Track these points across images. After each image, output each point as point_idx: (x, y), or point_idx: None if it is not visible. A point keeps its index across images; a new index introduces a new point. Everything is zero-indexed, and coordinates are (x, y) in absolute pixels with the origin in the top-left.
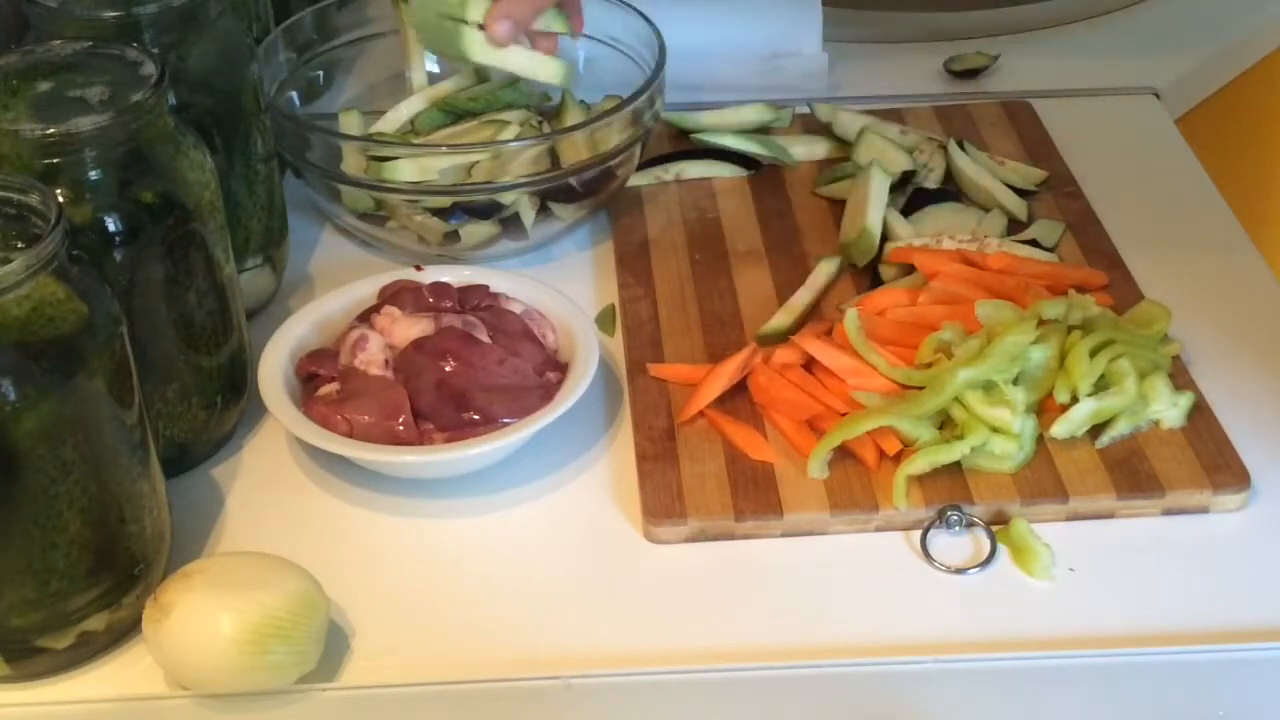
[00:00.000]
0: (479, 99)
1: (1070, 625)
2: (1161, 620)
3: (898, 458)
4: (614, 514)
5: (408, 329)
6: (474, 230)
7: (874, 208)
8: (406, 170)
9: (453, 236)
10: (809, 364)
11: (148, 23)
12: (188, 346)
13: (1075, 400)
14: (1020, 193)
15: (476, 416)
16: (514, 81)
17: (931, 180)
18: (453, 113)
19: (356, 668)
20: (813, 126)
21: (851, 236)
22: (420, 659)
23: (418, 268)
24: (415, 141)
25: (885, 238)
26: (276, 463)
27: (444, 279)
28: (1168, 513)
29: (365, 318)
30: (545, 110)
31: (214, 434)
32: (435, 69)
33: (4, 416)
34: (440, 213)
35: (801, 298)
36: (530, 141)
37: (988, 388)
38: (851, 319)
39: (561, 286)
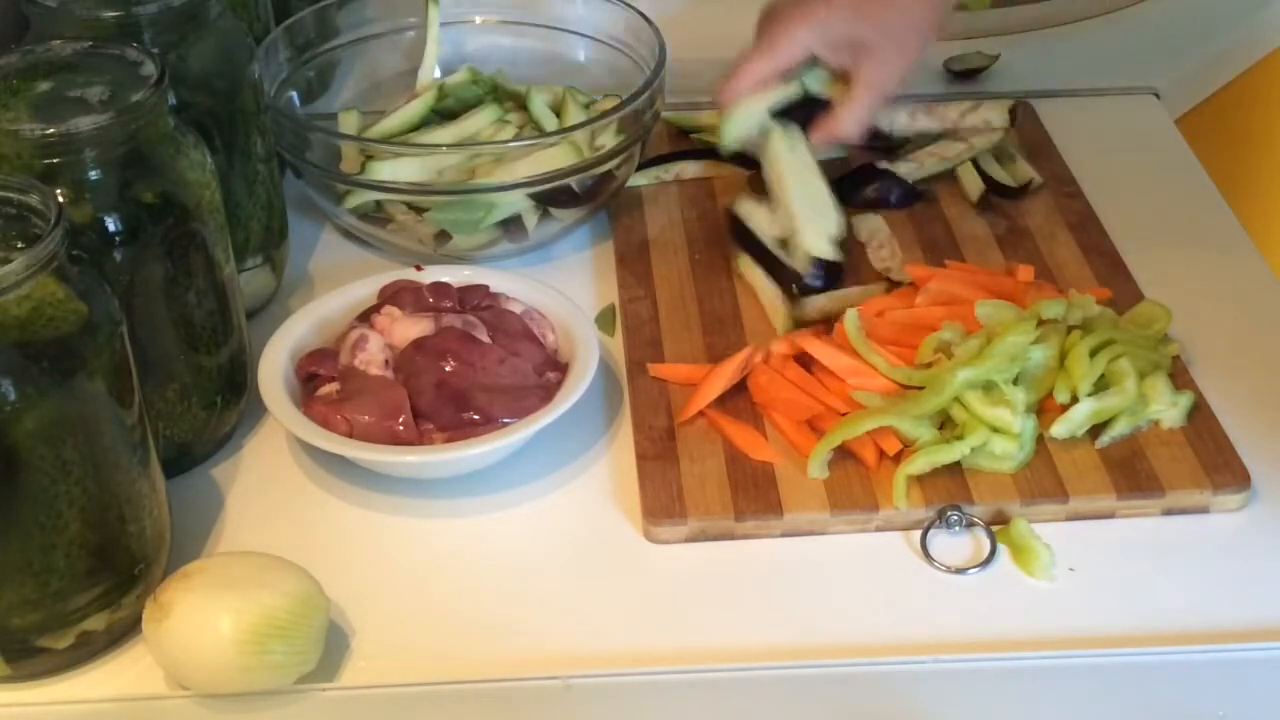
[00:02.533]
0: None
1: (1070, 625)
2: (1161, 620)
3: (898, 458)
4: (614, 514)
5: (408, 329)
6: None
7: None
8: (405, 169)
9: (447, 236)
10: (809, 364)
11: (148, 23)
12: (188, 346)
13: (1075, 400)
14: (1012, 191)
15: (476, 416)
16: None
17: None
18: (449, 112)
19: (356, 668)
20: None
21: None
22: (420, 659)
23: (418, 268)
24: (415, 141)
25: None
26: (276, 463)
27: (444, 279)
28: (1168, 513)
29: (365, 318)
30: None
31: (214, 434)
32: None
33: (4, 416)
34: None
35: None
36: (530, 142)
37: (988, 388)
38: (851, 319)
39: (561, 286)
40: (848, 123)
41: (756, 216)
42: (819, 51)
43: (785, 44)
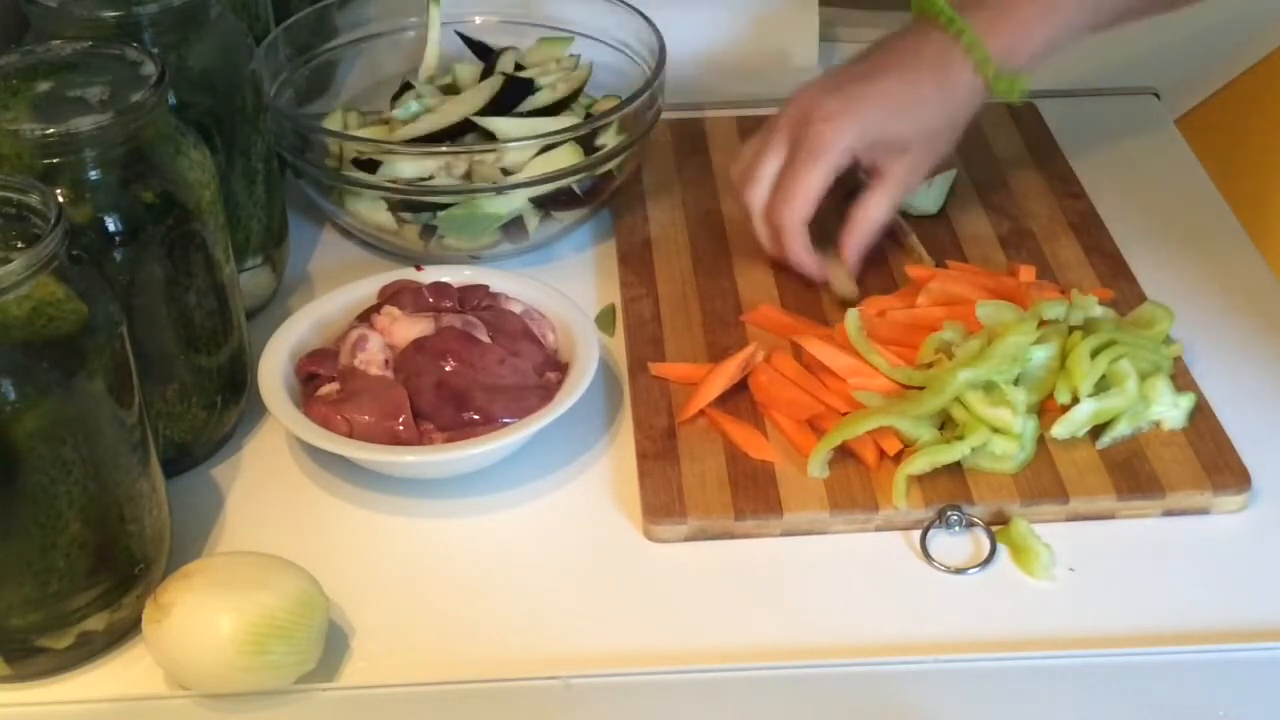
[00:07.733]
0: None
1: (1070, 625)
2: (1161, 620)
3: (898, 458)
4: (614, 514)
5: (408, 329)
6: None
7: None
8: (405, 169)
9: (430, 236)
10: (809, 364)
11: (148, 23)
12: (188, 346)
13: (1076, 401)
14: None
15: (476, 416)
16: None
17: None
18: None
19: (356, 668)
20: None
21: None
22: (420, 659)
23: (418, 268)
24: (415, 141)
25: None
26: (276, 463)
27: (444, 279)
28: (1168, 513)
29: (365, 318)
30: None
31: (214, 434)
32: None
33: (4, 416)
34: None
35: None
36: (529, 143)
37: (988, 388)
38: (852, 319)
39: (562, 286)
40: (874, 215)
41: None
42: (859, 152)
43: (832, 150)
